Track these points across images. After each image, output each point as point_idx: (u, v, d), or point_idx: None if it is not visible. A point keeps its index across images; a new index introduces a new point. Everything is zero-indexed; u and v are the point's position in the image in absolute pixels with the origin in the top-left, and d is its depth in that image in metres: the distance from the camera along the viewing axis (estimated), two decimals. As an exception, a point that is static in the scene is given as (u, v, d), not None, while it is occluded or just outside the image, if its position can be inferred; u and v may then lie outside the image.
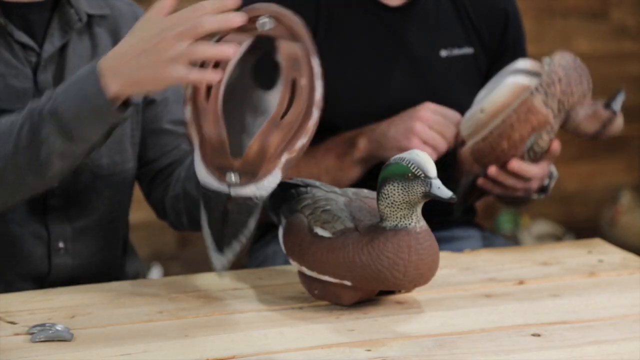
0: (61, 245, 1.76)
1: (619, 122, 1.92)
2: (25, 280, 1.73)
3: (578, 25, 3.75)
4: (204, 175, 1.51)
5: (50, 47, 1.73)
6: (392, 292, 1.60)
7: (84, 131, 1.54)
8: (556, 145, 1.90)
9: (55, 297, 1.63)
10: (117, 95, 1.51)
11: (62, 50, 1.74)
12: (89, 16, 1.78)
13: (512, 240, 3.53)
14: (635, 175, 3.91)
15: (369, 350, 1.41)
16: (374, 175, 1.54)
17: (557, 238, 3.72)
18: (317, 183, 1.63)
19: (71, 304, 1.59)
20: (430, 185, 1.46)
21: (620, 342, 1.43)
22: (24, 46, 1.71)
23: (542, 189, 2.00)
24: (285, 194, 1.64)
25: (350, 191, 1.60)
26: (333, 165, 1.98)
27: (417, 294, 1.61)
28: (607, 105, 1.86)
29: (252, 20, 1.49)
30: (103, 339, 1.45)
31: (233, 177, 1.48)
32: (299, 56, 1.48)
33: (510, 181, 1.90)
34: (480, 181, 1.92)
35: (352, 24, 2.03)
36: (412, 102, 1.97)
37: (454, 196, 1.45)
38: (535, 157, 1.90)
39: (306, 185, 1.62)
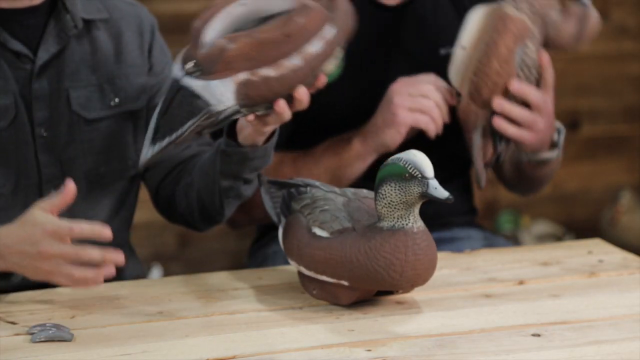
0: None
1: (594, 16, 1.89)
2: (27, 286, 1.72)
3: (578, 25, 3.74)
4: (176, 66, 1.56)
5: (45, 54, 1.71)
6: (390, 292, 1.60)
7: None
8: (546, 58, 1.87)
9: (55, 297, 1.63)
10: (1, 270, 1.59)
11: (58, 56, 1.73)
12: (88, 21, 1.77)
13: (512, 240, 3.53)
14: (635, 175, 3.91)
15: (369, 350, 1.41)
16: (372, 175, 1.54)
17: (557, 238, 3.72)
18: (317, 183, 1.63)
19: (71, 304, 1.59)
20: (427, 185, 1.46)
21: (620, 342, 1.44)
22: (17, 54, 1.70)
23: (553, 145, 1.99)
24: (286, 193, 1.64)
25: (350, 191, 1.60)
26: (332, 164, 1.98)
27: (417, 294, 1.61)
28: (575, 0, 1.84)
29: None
30: (103, 339, 1.45)
31: (189, 65, 1.52)
32: (314, 6, 1.54)
33: (516, 110, 1.86)
34: (495, 122, 1.87)
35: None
36: None
37: (450, 197, 1.45)
38: (530, 74, 1.86)
39: (306, 185, 1.62)
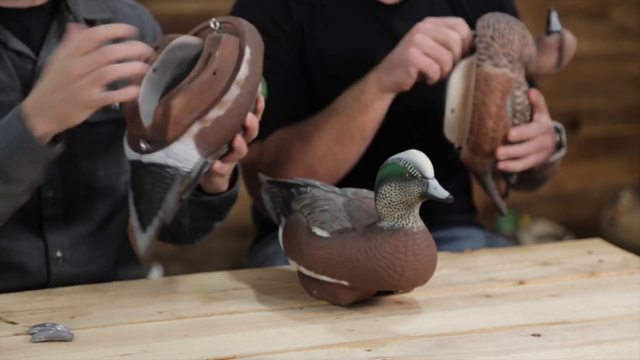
0: (59, 254, 1.75)
1: (570, 39, 1.89)
2: (26, 289, 1.72)
3: (578, 25, 3.74)
4: (127, 149, 1.56)
5: (47, 54, 1.71)
6: (390, 292, 1.60)
7: (19, 172, 1.58)
8: (534, 94, 1.88)
9: (55, 297, 1.63)
10: (45, 134, 1.56)
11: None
12: (90, 22, 1.76)
13: (512, 240, 3.53)
14: (635, 175, 3.91)
15: (369, 350, 1.41)
16: (372, 175, 1.54)
17: (557, 238, 3.72)
18: (317, 183, 1.63)
19: (71, 304, 1.59)
20: (427, 185, 1.46)
21: (620, 342, 1.44)
22: (19, 54, 1.70)
23: (559, 145, 1.99)
24: (286, 193, 1.64)
25: (350, 191, 1.60)
26: (351, 112, 1.91)
27: (417, 294, 1.62)
28: (548, 32, 1.84)
29: (206, 27, 1.59)
30: (103, 339, 1.45)
31: (143, 144, 1.52)
32: (220, 37, 1.54)
33: (521, 149, 1.88)
34: (501, 166, 1.88)
35: (347, 23, 2.03)
36: (409, 98, 1.97)
37: (450, 196, 1.45)
38: (524, 116, 1.88)
39: (306, 185, 1.63)
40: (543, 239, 3.72)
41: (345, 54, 2.02)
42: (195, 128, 1.51)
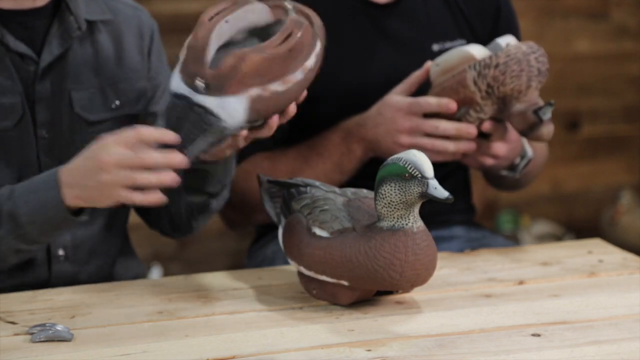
0: (61, 252, 1.75)
1: (547, 130, 1.86)
2: (25, 288, 1.72)
3: (578, 25, 3.75)
4: (177, 82, 1.56)
5: (49, 55, 1.71)
6: (390, 292, 1.60)
7: (39, 236, 1.61)
8: (487, 126, 1.86)
9: (55, 297, 1.63)
10: (73, 205, 1.58)
11: (61, 58, 1.73)
12: (90, 22, 1.76)
13: (512, 240, 3.53)
14: (635, 175, 3.91)
15: (369, 350, 1.41)
16: (372, 175, 1.54)
17: (557, 238, 3.72)
18: (317, 183, 1.63)
19: (71, 304, 1.59)
20: (427, 185, 1.46)
21: (620, 342, 1.44)
22: (21, 56, 1.70)
23: (512, 167, 1.98)
24: (286, 193, 1.64)
25: (349, 191, 1.60)
26: (331, 170, 1.97)
27: (417, 294, 1.62)
28: (535, 112, 1.84)
29: (279, 6, 1.64)
30: (103, 339, 1.45)
31: (200, 83, 1.53)
32: (303, 22, 1.59)
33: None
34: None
35: (341, 23, 2.03)
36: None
37: (450, 196, 1.45)
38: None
39: (306, 185, 1.62)
40: (543, 239, 3.72)
41: (339, 55, 2.02)
42: (254, 92, 1.54)
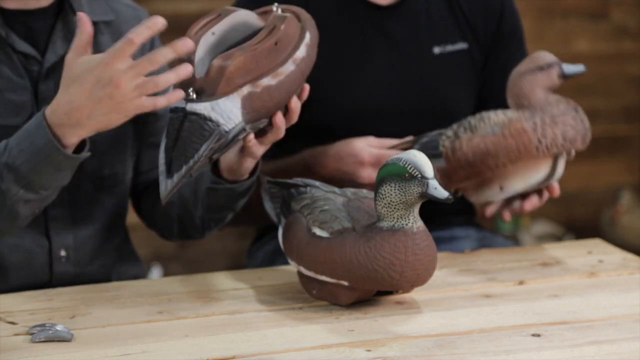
0: (63, 253, 1.75)
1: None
2: (26, 289, 1.72)
3: (578, 25, 3.75)
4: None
5: (53, 56, 1.71)
6: (390, 293, 1.60)
7: (43, 181, 1.58)
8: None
9: (55, 297, 1.63)
10: (74, 143, 1.56)
11: (65, 58, 1.73)
12: (93, 23, 1.76)
13: (512, 240, 3.53)
14: (635, 175, 3.91)
15: (369, 351, 1.41)
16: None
17: (557, 238, 3.72)
18: (317, 183, 1.63)
19: (71, 304, 1.59)
20: (427, 185, 1.46)
21: (620, 342, 1.44)
22: (25, 56, 1.70)
23: None
24: (286, 193, 1.64)
25: (349, 191, 1.60)
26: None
27: (417, 294, 1.62)
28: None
29: (268, 11, 1.66)
30: (103, 339, 1.45)
31: (191, 92, 1.53)
32: (286, 16, 1.61)
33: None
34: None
35: (342, 25, 2.03)
36: (405, 101, 1.97)
37: (450, 196, 1.45)
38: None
39: (306, 185, 1.62)
40: (543, 239, 3.72)
41: (340, 57, 2.02)
42: (245, 90, 1.55)
